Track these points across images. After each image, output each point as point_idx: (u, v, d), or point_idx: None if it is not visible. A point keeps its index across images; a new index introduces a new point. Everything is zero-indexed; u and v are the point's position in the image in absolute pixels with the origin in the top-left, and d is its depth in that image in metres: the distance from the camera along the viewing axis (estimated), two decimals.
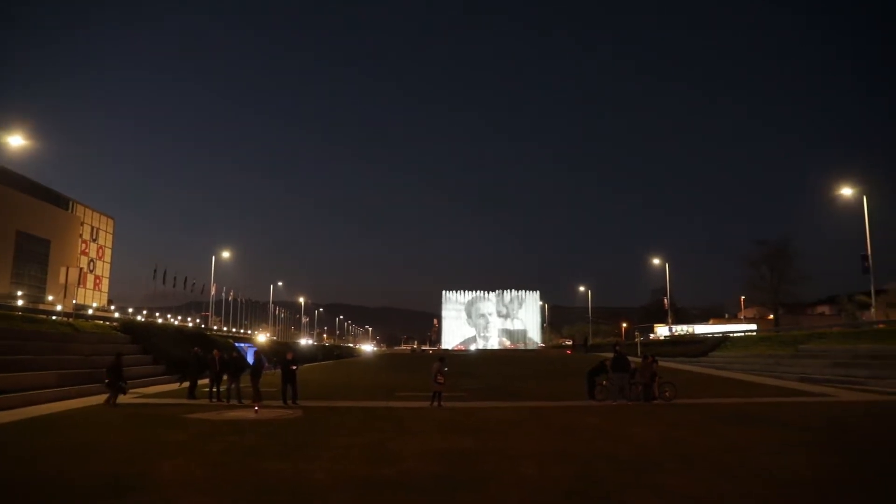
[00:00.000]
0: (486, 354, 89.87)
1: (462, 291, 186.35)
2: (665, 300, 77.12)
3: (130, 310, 76.60)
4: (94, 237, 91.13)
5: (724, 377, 32.10)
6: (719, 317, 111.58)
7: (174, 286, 77.04)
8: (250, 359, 21.41)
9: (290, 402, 19.38)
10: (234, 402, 20.17)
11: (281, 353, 31.79)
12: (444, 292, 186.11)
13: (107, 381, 18.94)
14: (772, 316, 77.75)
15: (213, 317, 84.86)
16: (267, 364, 25.51)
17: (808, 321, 78.76)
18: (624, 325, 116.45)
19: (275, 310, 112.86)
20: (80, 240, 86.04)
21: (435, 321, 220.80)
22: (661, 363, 23.07)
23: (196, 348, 25.11)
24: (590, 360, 32.80)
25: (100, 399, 19.66)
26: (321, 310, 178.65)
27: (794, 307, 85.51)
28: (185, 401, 20.52)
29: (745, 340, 52.25)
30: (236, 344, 43.66)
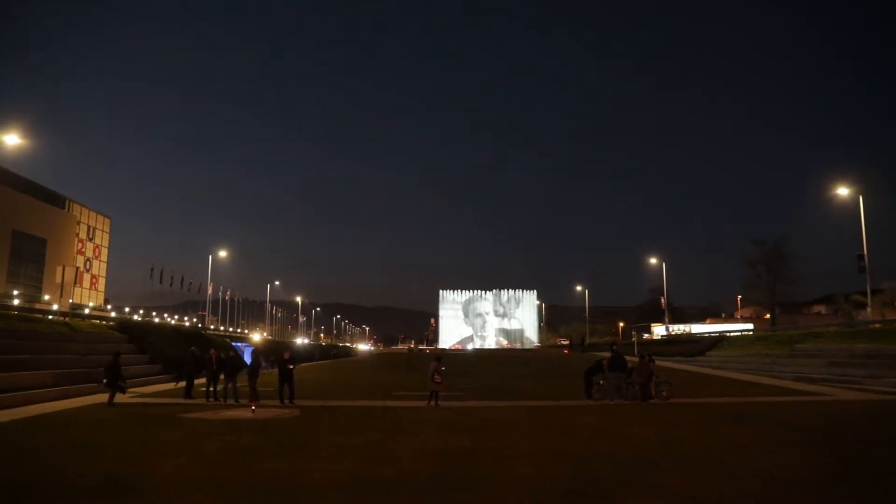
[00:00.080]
0: (483, 354, 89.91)
1: (459, 291, 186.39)
2: (662, 299, 77.24)
3: (127, 309, 76.38)
4: (90, 236, 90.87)
5: (721, 376, 32.16)
6: (716, 316, 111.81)
7: (171, 285, 76.98)
8: (247, 358, 21.38)
9: (287, 401, 19.37)
10: (230, 401, 20.15)
11: (276, 353, 31.76)
12: (441, 291, 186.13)
13: (105, 380, 18.90)
14: (768, 315, 77.96)
15: (210, 316, 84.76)
16: (264, 364, 25.49)
17: (805, 321, 78.94)
18: (621, 324, 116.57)
19: (272, 309, 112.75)
20: (76, 239, 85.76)
21: (432, 320, 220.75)
22: (657, 362, 23.12)
23: (193, 348, 25.08)
24: (587, 359, 32.81)
25: (96, 398, 19.64)
26: (318, 309, 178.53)
27: (790, 307, 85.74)
28: (181, 400, 20.49)
29: (741, 340, 52.33)
30: (233, 343, 43.58)
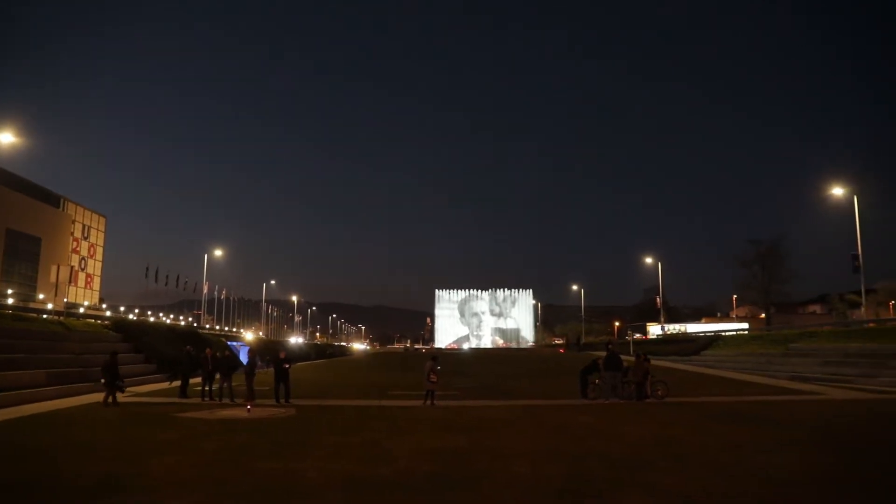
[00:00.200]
0: (479, 353, 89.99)
1: (455, 290, 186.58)
2: (658, 299, 77.42)
3: (122, 308, 76.22)
4: (85, 235, 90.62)
5: (716, 376, 32.25)
6: (711, 316, 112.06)
7: (166, 284, 76.78)
8: (243, 358, 21.35)
9: (282, 400, 19.35)
10: (226, 400, 20.12)
11: (270, 352, 31.72)
12: (437, 291, 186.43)
13: (102, 380, 18.87)
14: (763, 315, 78.23)
15: (206, 315, 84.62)
16: (260, 363, 25.45)
17: (799, 320, 79.22)
18: (616, 323, 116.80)
19: (267, 308, 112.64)
20: (71, 238, 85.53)
21: (428, 320, 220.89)
22: (653, 362, 23.17)
23: (188, 347, 25.04)
24: (582, 358, 32.86)
25: (91, 398, 19.61)
26: (314, 308, 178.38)
27: (785, 306, 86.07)
28: (177, 399, 20.45)
29: (736, 339, 52.52)
30: (228, 343, 43.51)
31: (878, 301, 63.90)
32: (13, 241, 71.20)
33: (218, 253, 70.61)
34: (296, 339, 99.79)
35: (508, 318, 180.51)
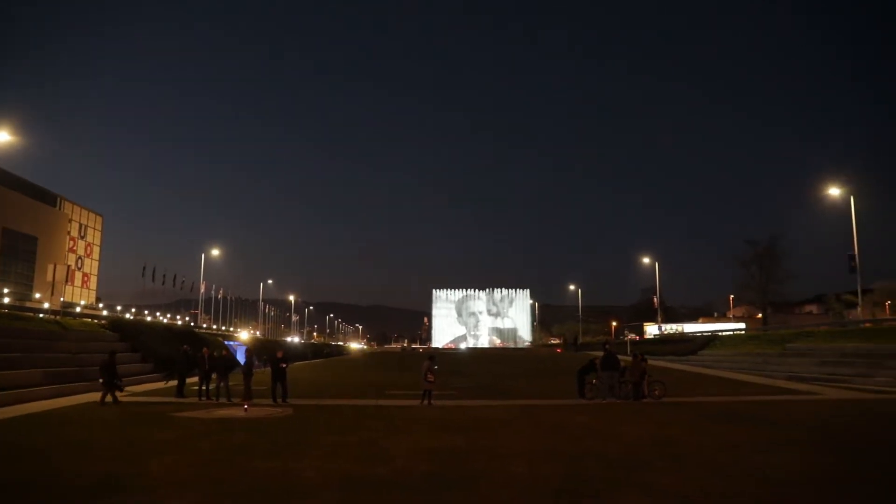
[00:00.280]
0: (476, 353, 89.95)
1: (452, 290, 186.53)
2: (655, 299, 77.50)
3: (119, 307, 76.01)
4: (82, 234, 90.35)
5: (713, 376, 32.28)
6: (708, 316, 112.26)
7: (163, 284, 76.61)
8: (240, 357, 21.32)
9: (279, 400, 19.34)
10: (223, 400, 20.10)
11: (266, 351, 31.68)
12: (434, 291, 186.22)
13: (101, 379, 18.85)
14: (760, 315, 78.34)
15: (203, 315, 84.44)
16: (257, 363, 25.41)
17: (796, 320, 79.41)
18: (614, 323, 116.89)
19: (265, 308, 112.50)
20: (67, 237, 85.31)
21: (425, 319, 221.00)
22: (650, 362, 23.18)
23: (185, 346, 24.99)
24: (580, 358, 32.88)
25: (88, 397, 19.57)
26: (311, 308, 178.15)
27: (782, 306, 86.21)
28: (173, 399, 20.41)
29: (733, 339, 52.61)
30: (226, 342, 43.45)
31: (875, 301, 64.08)
32: (9, 240, 71.00)
33: (215, 252, 70.55)
34: (292, 339, 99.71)
35: (506, 318, 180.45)
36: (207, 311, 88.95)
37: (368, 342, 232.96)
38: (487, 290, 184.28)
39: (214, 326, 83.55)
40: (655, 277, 71.27)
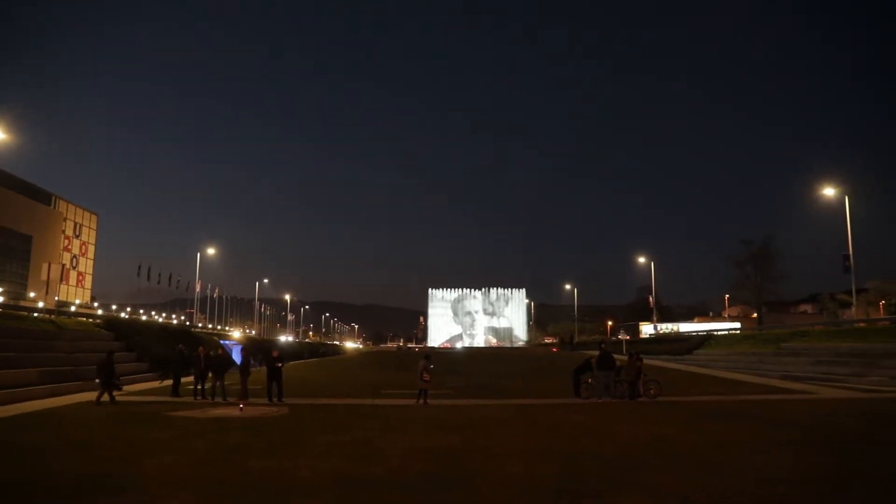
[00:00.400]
0: (472, 352, 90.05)
1: (448, 289, 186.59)
2: (650, 298, 77.69)
3: (114, 307, 75.79)
4: (77, 233, 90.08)
5: (709, 375, 32.37)
6: (704, 315, 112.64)
7: (158, 283, 76.47)
8: (236, 357, 21.26)
9: (275, 399, 19.31)
10: (218, 399, 20.06)
11: (260, 351, 31.58)
12: (430, 290, 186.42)
13: (97, 379, 18.81)
14: (755, 314, 78.61)
15: (198, 314, 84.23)
16: (253, 362, 25.35)
17: (791, 319, 79.72)
18: (609, 323, 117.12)
19: (260, 307, 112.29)
20: (62, 236, 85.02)
21: (421, 319, 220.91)
22: (645, 361, 23.24)
23: (180, 345, 24.94)
24: (575, 357, 32.93)
25: (83, 397, 19.54)
26: (307, 307, 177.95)
27: (777, 306, 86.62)
28: (169, 398, 20.37)
29: (729, 339, 52.78)
30: (222, 342, 43.35)
31: (869, 301, 64.38)
32: (4, 239, 70.73)
33: (211, 251, 70.39)
34: (286, 338, 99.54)
35: (501, 318, 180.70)
36: (203, 311, 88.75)
37: (364, 341, 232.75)
38: (483, 289, 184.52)
39: (210, 326, 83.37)
40: (651, 277, 71.38)
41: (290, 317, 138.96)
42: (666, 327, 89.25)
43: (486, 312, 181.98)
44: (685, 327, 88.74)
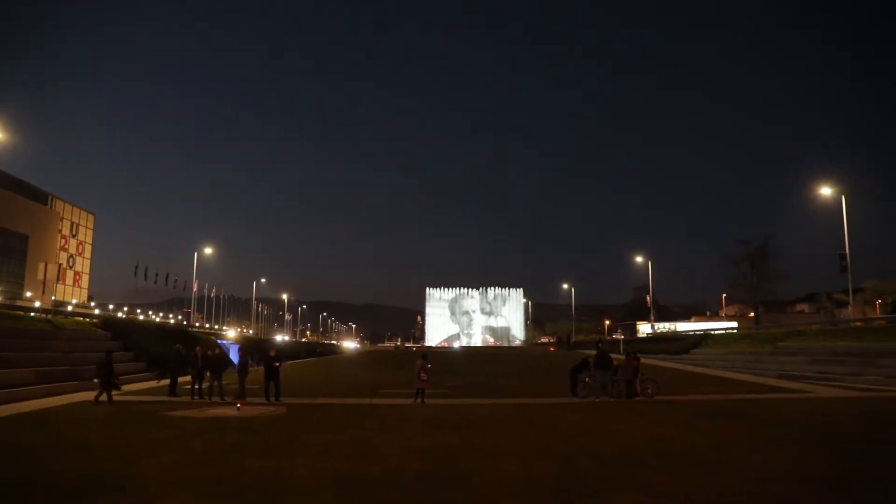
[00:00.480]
0: (469, 351, 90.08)
1: (446, 289, 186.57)
2: (648, 298, 77.76)
3: (111, 306, 75.75)
4: (73, 233, 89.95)
5: (706, 374, 32.42)
6: (701, 314, 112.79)
7: (156, 282, 76.29)
8: (234, 356, 21.26)
9: (272, 399, 19.30)
10: (216, 399, 20.04)
11: (257, 350, 31.57)
12: (428, 289, 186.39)
13: (96, 379, 18.79)
14: (752, 314, 78.71)
15: (196, 314, 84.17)
16: (251, 362, 25.34)
17: (788, 319, 79.83)
18: (607, 322, 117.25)
19: (257, 306, 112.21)
20: (59, 235, 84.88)
21: (419, 318, 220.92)
22: (643, 360, 23.25)
23: (177, 345, 24.90)
24: (573, 357, 32.96)
25: (81, 396, 19.53)
26: (304, 307, 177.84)
27: (774, 305, 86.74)
28: (166, 398, 20.34)
29: (725, 338, 52.82)
30: (219, 341, 43.31)
31: (866, 300, 64.48)
32: (0, 239, 70.55)
33: (208, 251, 70.25)
34: (282, 338, 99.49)
35: (499, 317, 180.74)
36: (200, 310, 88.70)
37: (362, 341, 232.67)
38: (481, 289, 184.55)
39: (207, 325, 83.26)
40: (649, 276, 71.45)
41: (287, 316, 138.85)
42: (663, 326, 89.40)
43: (483, 312, 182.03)
44: (682, 326, 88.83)
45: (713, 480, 8.71)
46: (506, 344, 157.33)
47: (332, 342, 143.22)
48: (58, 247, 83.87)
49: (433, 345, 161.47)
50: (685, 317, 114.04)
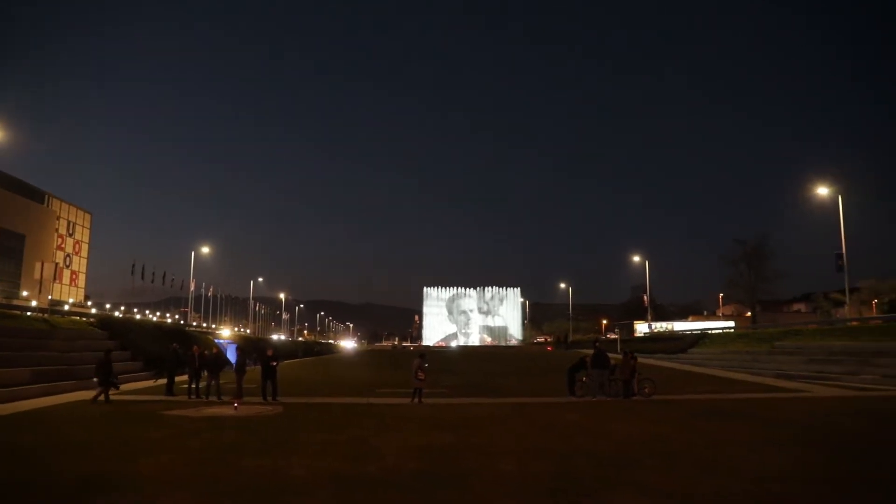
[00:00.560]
0: (467, 351, 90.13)
1: (443, 288, 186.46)
2: (645, 297, 77.85)
3: (108, 305, 75.52)
4: (70, 232, 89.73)
5: (703, 373, 32.46)
6: (698, 314, 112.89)
7: (153, 282, 76.11)
8: (231, 356, 21.27)
9: (270, 398, 19.29)
10: (213, 398, 20.03)
11: (253, 349, 31.55)
12: (425, 289, 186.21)
13: (95, 378, 18.77)
14: (749, 313, 78.82)
15: (193, 313, 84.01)
16: (248, 361, 25.34)
17: (785, 318, 79.95)
18: (604, 321, 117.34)
19: (255, 306, 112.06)
20: (56, 234, 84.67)
21: (416, 317, 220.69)
22: (640, 360, 23.28)
23: (174, 344, 24.88)
24: (570, 356, 32.98)
25: (77, 396, 19.51)
26: (302, 306, 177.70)
27: (770, 305, 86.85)
28: (163, 397, 20.33)
29: (723, 337, 52.93)
30: (217, 340, 43.27)
31: (862, 300, 64.54)
32: None
33: (205, 250, 70.16)
34: (279, 337, 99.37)
35: (496, 316, 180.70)
36: (197, 310, 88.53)
37: (359, 340, 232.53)
38: (478, 288, 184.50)
39: (204, 324, 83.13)
40: (646, 276, 71.56)
41: (284, 316, 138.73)
42: (660, 326, 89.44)
43: (480, 311, 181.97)
44: (679, 326, 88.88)
45: (710, 480, 8.72)
46: (503, 343, 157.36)
47: (330, 341, 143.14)
48: (54, 246, 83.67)
49: (431, 344, 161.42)
50: (682, 316, 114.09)
